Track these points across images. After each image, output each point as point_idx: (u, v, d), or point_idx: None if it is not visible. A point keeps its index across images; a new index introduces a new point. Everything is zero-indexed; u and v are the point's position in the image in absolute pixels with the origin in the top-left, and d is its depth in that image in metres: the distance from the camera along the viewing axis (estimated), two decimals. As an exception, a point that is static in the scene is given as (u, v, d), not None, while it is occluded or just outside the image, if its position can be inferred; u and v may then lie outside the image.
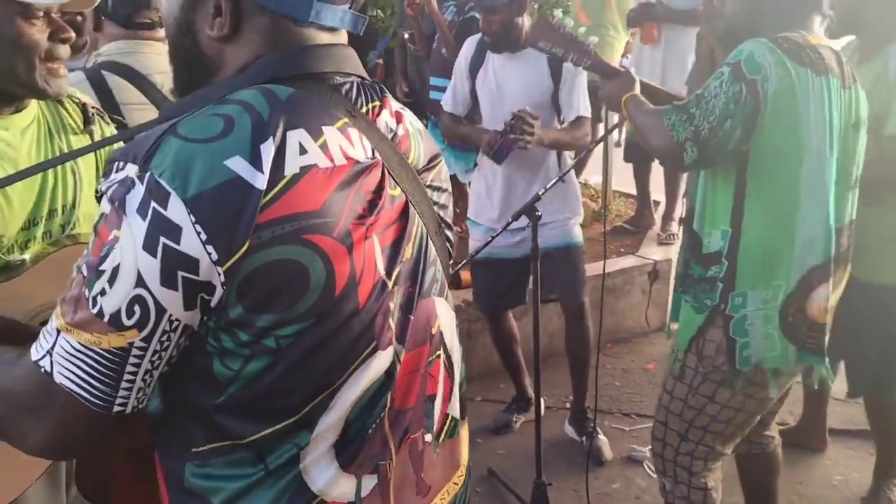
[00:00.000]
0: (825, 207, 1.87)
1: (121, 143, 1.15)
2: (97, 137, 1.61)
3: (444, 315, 1.04)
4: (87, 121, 1.60)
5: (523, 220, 2.57)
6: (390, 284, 0.92)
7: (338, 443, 0.91)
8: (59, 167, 1.51)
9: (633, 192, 5.13)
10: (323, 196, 0.84)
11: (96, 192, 0.84)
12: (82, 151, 1.04)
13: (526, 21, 2.87)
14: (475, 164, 3.35)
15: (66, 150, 1.53)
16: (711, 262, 1.92)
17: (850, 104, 1.92)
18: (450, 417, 1.07)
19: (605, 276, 3.64)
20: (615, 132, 6.27)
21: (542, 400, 3.31)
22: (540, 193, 2.50)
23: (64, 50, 1.43)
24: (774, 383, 1.94)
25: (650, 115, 1.97)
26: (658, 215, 4.89)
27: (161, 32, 2.11)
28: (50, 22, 1.41)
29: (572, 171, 3.09)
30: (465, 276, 3.67)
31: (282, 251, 0.81)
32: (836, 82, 1.86)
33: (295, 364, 0.86)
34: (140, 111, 1.95)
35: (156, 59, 2.04)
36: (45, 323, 0.87)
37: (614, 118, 4.67)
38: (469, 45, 3.07)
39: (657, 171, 4.67)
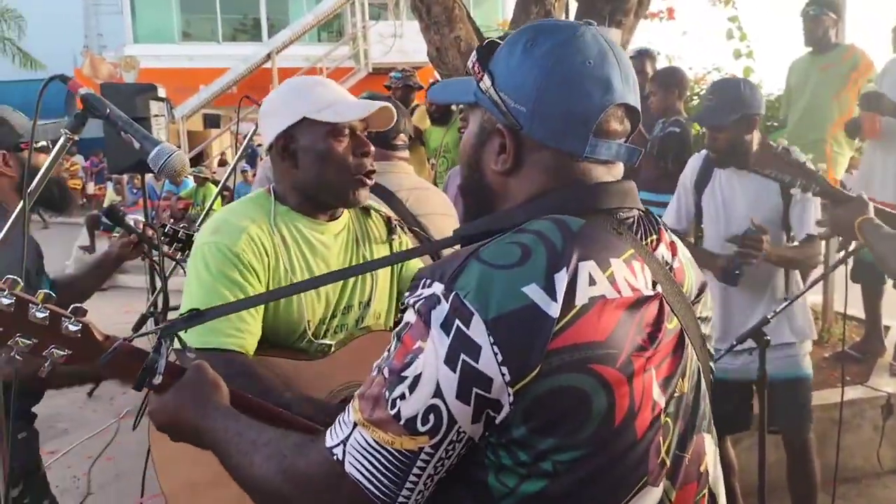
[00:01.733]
0: None
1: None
2: (396, 247, 1.80)
3: (710, 452, 1.02)
4: (391, 231, 1.80)
5: (748, 343, 2.44)
6: (664, 418, 0.91)
7: None
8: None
9: (857, 314, 4.71)
10: (609, 327, 0.86)
11: (401, 303, 0.92)
12: (384, 262, 1.15)
13: (755, 137, 2.82)
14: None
15: (369, 256, 1.73)
16: None
17: None
18: None
19: (830, 408, 3.34)
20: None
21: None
22: (769, 317, 2.38)
23: (367, 163, 1.62)
24: None
25: (889, 239, 1.85)
26: (889, 342, 4.44)
27: (406, 153, 2.31)
28: (354, 138, 1.61)
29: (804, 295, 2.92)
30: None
31: (568, 378, 0.84)
32: None
33: (568, 491, 0.87)
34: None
35: (403, 177, 2.24)
36: (344, 402, 0.94)
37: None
38: (695, 162, 3.05)
39: (890, 293, 4.27)
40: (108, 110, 1.38)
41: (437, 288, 0.87)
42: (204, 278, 1.53)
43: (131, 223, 2.43)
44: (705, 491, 1.00)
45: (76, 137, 1.45)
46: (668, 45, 9.78)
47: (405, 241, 1.83)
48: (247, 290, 1.53)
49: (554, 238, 0.89)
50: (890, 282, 4.19)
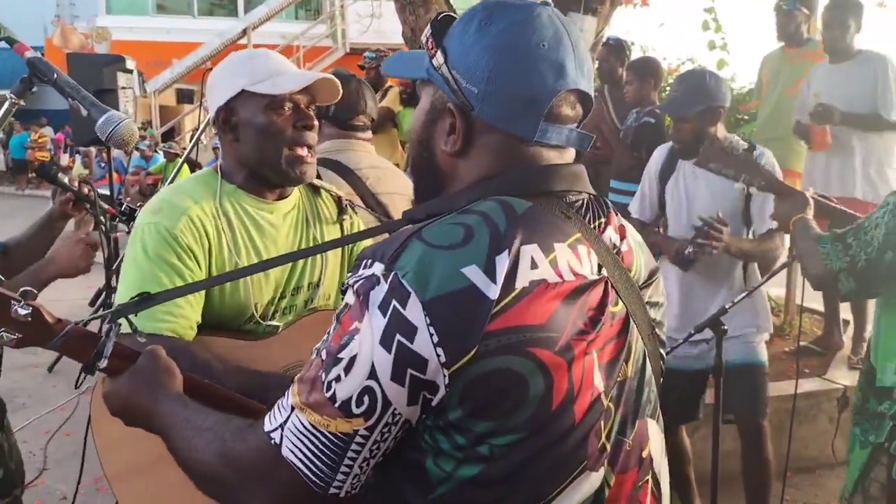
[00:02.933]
0: None
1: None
2: (347, 227, 1.78)
3: (654, 437, 1.02)
4: (341, 211, 1.77)
5: (706, 332, 2.47)
6: (605, 402, 0.91)
7: None
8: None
9: (819, 307, 4.79)
10: (548, 311, 0.86)
11: (342, 283, 0.91)
12: (334, 245, 1.13)
13: (719, 129, 2.84)
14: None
15: (319, 237, 1.71)
16: (885, 397, 1.80)
17: None
18: None
19: (787, 398, 3.39)
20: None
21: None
22: (727, 307, 2.40)
23: (308, 137, 1.58)
24: None
25: (809, 240, 1.90)
26: (847, 336, 4.52)
27: (368, 134, 2.29)
28: (296, 112, 1.58)
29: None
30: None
31: (505, 361, 0.83)
32: None
33: (505, 474, 0.86)
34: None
35: (364, 155, 2.22)
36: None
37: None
38: (660, 152, 3.07)
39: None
40: (55, 75, 1.35)
41: (378, 268, 0.87)
42: (141, 261, 1.51)
43: (65, 181, 2.46)
44: (648, 476, 1.00)
45: (21, 102, 1.41)
46: (643, 35, 9.79)
47: (356, 221, 1.81)
48: (184, 275, 1.50)
49: (498, 220, 0.88)
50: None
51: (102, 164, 12.47)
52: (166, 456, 1.02)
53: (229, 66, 1.62)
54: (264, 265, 1.27)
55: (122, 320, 1.15)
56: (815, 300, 4.83)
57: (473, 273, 0.84)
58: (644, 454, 0.99)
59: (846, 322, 4.65)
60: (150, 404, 1.06)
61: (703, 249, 2.68)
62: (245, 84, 1.55)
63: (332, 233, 1.75)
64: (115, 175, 6.42)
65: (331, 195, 1.79)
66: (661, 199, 3.03)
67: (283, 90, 1.54)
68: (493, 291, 0.84)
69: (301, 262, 1.66)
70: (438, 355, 0.83)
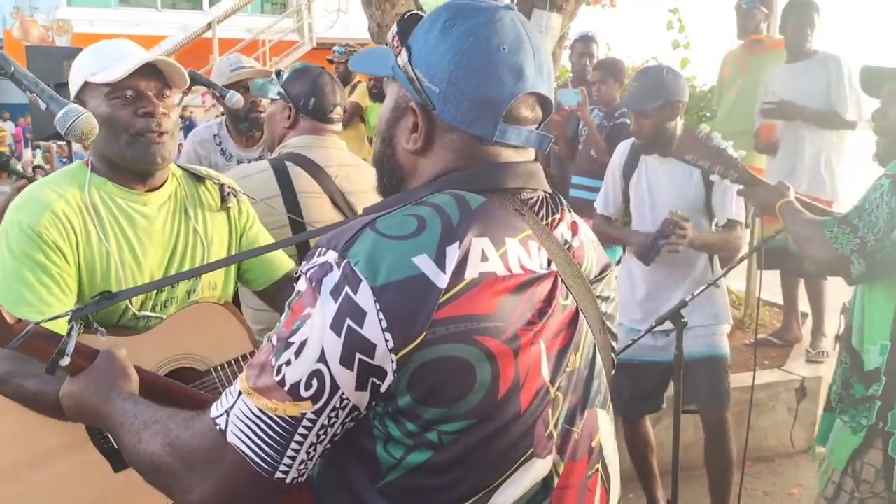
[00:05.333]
0: None
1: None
2: (234, 214, 1.76)
3: (605, 428, 1.04)
4: (223, 199, 1.74)
5: (668, 325, 2.52)
6: (553, 392, 0.94)
7: None
8: (189, 238, 1.65)
9: (779, 301, 4.90)
10: (496, 302, 0.88)
11: (295, 272, 0.92)
12: (275, 246, 1.15)
13: (678, 125, 2.89)
14: (618, 262, 3.34)
15: (200, 226, 1.68)
16: (872, 380, 1.83)
17: None
18: None
19: (747, 389, 3.47)
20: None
21: (677, 515, 3.15)
22: (687, 299, 2.45)
23: (151, 123, 1.54)
24: None
25: (809, 225, 1.93)
26: (806, 329, 4.63)
27: (340, 126, 2.30)
28: (140, 98, 1.55)
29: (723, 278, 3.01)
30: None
31: (452, 348, 0.86)
32: None
33: (454, 461, 0.89)
34: (314, 199, 2.11)
35: (334, 152, 2.22)
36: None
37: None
38: (622, 148, 3.11)
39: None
40: (12, 68, 1.33)
41: (331, 256, 0.89)
42: (7, 260, 1.47)
43: (19, 168, 2.42)
44: (598, 466, 1.03)
45: None
46: (608, 33, 9.88)
47: (245, 208, 1.79)
48: (51, 271, 1.47)
49: (451, 212, 0.91)
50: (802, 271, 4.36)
51: (63, 159, 12.24)
52: (45, 455, 1.00)
53: (78, 59, 1.60)
54: (198, 270, 1.27)
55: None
56: (774, 294, 4.93)
57: (423, 262, 0.86)
58: (594, 443, 1.01)
59: (805, 315, 4.77)
60: (103, 404, 1.06)
61: (671, 248, 2.72)
62: (86, 76, 1.54)
63: (216, 220, 1.71)
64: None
65: (214, 183, 1.75)
66: (625, 194, 3.07)
67: (116, 76, 1.51)
68: (443, 281, 0.86)
69: (180, 251, 1.63)
70: (387, 340, 0.85)
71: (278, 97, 2.25)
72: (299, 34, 15.90)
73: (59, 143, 9.10)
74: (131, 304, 1.56)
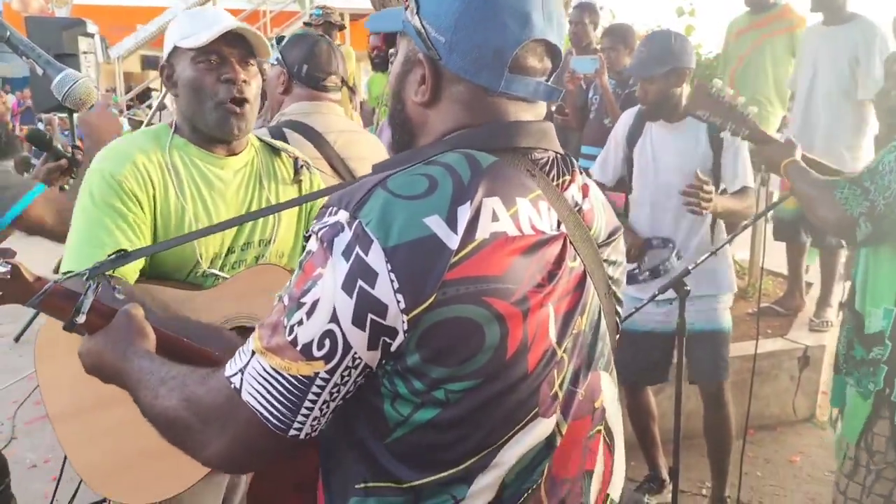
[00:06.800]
0: None
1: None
2: (305, 187, 1.79)
3: (607, 390, 1.05)
4: (296, 172, 1.78)
5: (671, 293, 2.51)
6: (559, 353, 0.94)
7: (493, 503, 0.92)
8: (261, 207, 1.68)
9: (782, 270, 4.89)
10: (507, 263, 0.88)
11: (306, 231, 0.92)
12: (287, 205, 1.15)
13: (685, 91, 2.86)
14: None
15: (272, 197, 1.73)
16: (874, 343, 1.83)
17: None
18: (609, 499, 1.06)
19: (750, 358, 3.48)
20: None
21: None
22: (690, 268, 2.43)
23: (232, 89, 1.60)
24: None
25: (817, 185, 1.92)
26: (810, 298, 4.63)
27: (338, 95, 2.28)
28: (224, 65, 1.60)
29: (727, 246, 3.00)
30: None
31: (462, 309, 0.85)
32: None
33: (460, 419, 0.89)
34: (314, 164, 2.10)
35: (333, 119, 2.21)
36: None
37: (774, 195, 4.47)
38: (628, 116, 3.08)
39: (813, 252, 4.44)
40: (7, 33, 1.32)
41: (342, 216, 0.88)
42: (87, 206, 1.55)
43: (59, 147, 2.32)
44: (601, 427, 1.03)
45: None
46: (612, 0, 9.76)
47: (316, 181, 1.83)
48: (128, 218, 1.54)
49: (462, 172, 0.90)
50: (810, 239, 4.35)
51: (65, 132, 12.19)
52: (105, 399, 1.03)
53: (172, 24, 1.67)
54: (215, 227, 1.28)
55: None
56: (778, 263, 4.93)
57: (435, 223, 0.86)
58: (596, 405, 1.02)
59: (809, 284, 4.76)
60: (121, 362, 1.07)
61: (693, 211, 2.70)
62: (176, 40, 1.61)
63: (288, 193, 1.76)
64: (80, 143, 6.28)
65: (289, 155, 1.81)
66: (627, 161, 3.05)
67: (202, 42, 1.57)
68: (454, 241, 0.86)
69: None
70: (398, 301, 0.84)
71: (276, 63, 2.23)
72: (300, 4, 15.73)
73: (61, 115, 9.06)
74: (202, 259, 1.62)
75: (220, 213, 1.64)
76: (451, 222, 0.86)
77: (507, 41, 0.95)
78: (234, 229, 1.67)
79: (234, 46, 1.61)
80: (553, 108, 4.79)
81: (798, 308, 4.52)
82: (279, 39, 2.30)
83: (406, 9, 1.01)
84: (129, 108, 12.56)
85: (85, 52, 4.32)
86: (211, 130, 1.63)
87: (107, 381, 1.11)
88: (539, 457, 0.94)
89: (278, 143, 1.81)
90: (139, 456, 1.43)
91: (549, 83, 1.01)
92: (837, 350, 2.02)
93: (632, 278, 2.88)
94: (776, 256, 5.31)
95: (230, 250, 1.67)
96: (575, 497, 0.99)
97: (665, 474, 3.16)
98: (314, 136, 2.12)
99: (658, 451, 3.23)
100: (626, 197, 3.11)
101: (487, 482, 0.92)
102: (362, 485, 0.94)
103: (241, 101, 1.61)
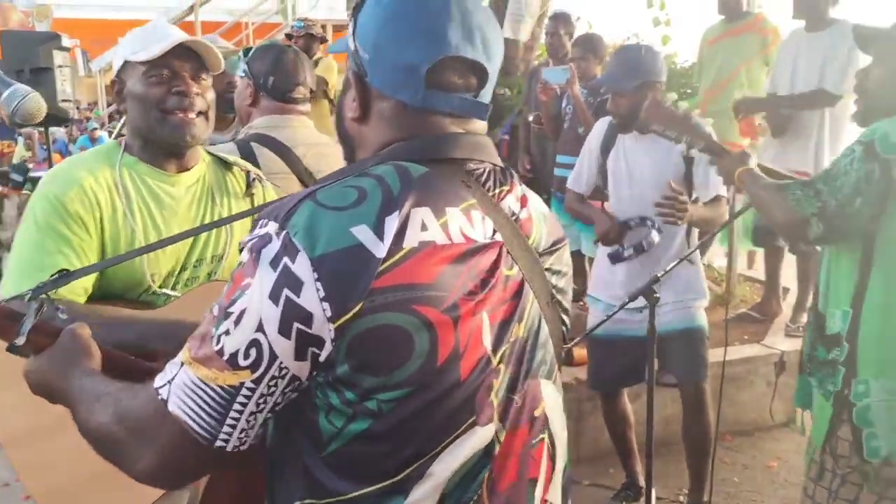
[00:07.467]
0: None
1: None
2: (258, 201, 1.79)
3: (550, 398, 1.05)
4: (248, 186, 1.78)
5: (643, 300, 2.52)
6: (495, 361, 0.95)
7: None
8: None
9: (759, 276, 4.93)
10: (437, 271, 0.89)
11: (240, 244, 0.93)
12: (234, 218, 1.15)
13: (656, 104, 2.88)
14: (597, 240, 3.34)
15: (225, 212, 1.72)
16: (833, 344, 1.86)
17: None
18: None
19: (727, 364, 3.51)
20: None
21: (653, 490, 3.18)
22: (659, 275, 2.46)
23: (185, 102, 1.60)
24: None
25: (770, 189, 1.96)
26: (787, 304, 4.66)
27: (307, 106, 2.28)
28: (175, 78, 1.60)
29: (698, 253, 3.03)
30: (578, 353, 3.61)
31: (391, 317, 0.87)
32: None
33: (394, 429, 0.90)
34: (283, 180, 2.10)
35: (301, 132, 2.21)
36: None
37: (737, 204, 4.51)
38: (601, 125, 3.11)
39: (790, 258, 4.48)
40: None
41: (272, 227, 0.90)
42: (30, 229, 1.53)
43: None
44: (543, 435, 1.03)
45: None
46: (590, 10, 9.85)
47: (269, 195, 1.82)
48: (72, 243, 1.53)
49: (392, 183, 0.92)
50: (788, 245, 4.38)
51: (43, 146, 12.11)
52: (59, 421, 1.04)
53: (123, 39, 1.66)
54: (170, 240, 1.29)
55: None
56: (757, 269, 4.97)
57: (362, 232, 0.88)
58: (537, 413, 1.02)
59: (786, 290, 4.80)
60: (64, 381, 1.07)
61: (670, 222, 2.73)
62: (126, 54, 1.61)
63: (241, 207, 1.76)
64: (58, 157, 6.25)
65: (241, 169, 1.81)
66: (601, 170, 3.07)
67: (153, 55, 1.57)
68: (381, 250, 0.87)
69: (204, 235, 1.67)
70: (324, 309, 0.86)
71: (244, 75, 2.24)
72: (283, 15, 15.72)
73: (41, 129, 9.01)
74: (153, 280, 1.61)
75: (172, 232, 1.62)
76: (379, 231, 0.88)
77: (419, 58, 0.97)
78: (187, 247, 1.66)
79: (185, 60, 1.61)
80: (530, 119, 4.84)
81: (775, 314, 4.55)
82: (246, 52, 2.30)
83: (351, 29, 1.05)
84: (110, 120, 12.52)
85: (60, 66, 4.30)
86: (162, 140, 1.62)
87: (53, 402, 1.10)
88: (478, 466, 0.94)
89: (231, 157, 1.81)
90: (95, 478, 1.41)
91: (478, 99, 1.02)
92: (802, 350, 2.05)
93: (617, 257, 2.89)
94: (754, 263, 5.36)
95: (183, 268, 1.66)
96: None
97: (642, 482, 3.17)
98: (283, 151, 2.12)
99: (635, 459, 3.24)
100: (602, 205, 3.14)
101: (425, 492, 0.92)
102: (302, 500, 0.94)
103: (192, 112, 1.61)
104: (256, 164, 2.08)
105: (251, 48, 2.31)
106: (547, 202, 4.59)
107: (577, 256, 4.52)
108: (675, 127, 2.18)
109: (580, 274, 4.31)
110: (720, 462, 3.56)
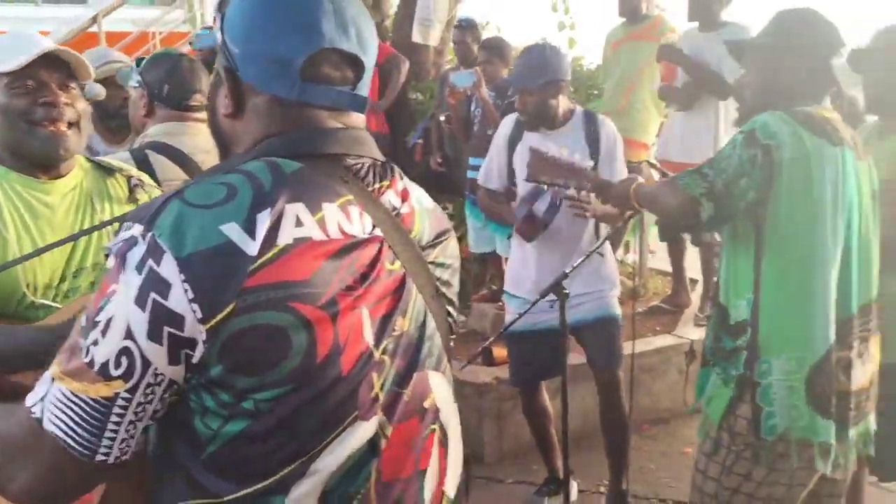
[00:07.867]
0: (847, 280, 1.88)
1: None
2: None
3: (439, 389, 1.05)
4: (131, 191, 1.73)
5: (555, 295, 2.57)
6: (377, 355, 0.94)
7: None
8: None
9: (669, 269, 5.09)
10: (312, 267, 0.88)
11: (105, 249, 0.90)
12: (107, 224, 1.12)
13: (561, 102, 2.95)
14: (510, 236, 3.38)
15: (106, 217, 1.65)
16: (740, 333, 1.93)
17: (868, 176, 1.95)
18: (445, 496, 1.07)
19: (641, 356, 3.61)
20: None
21: (574, 482, 3.23)
22: (567, 272, 2.51)
23: (53, 112, 1.55)
24: (820, 459, 1.89)
25: (660, 184, 2.07)
26: (696, 295, 4.83)
27: (204, 114, 2.23)
28: (41, 89, 1.55)
29: (609, 246, 3.11)
30: (498, 353, 3.65)
31: (265, 316, 0.85)
32: (850, 154, 1.89)
33: (273, 428, 0.88)
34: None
35: (200, 139, 2.16)
36: None
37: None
38: (508, 122, 3.15)
39: (693, 250, 4.64)
40: None
41: (137, 230, 0.87)
42: None
43: None
44: (434, 427, 1.04)
45: None
46: (498, 15, 10.03)
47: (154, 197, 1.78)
48: None
49: (263, 178, 0.90)
50: (691, 239, 4.55)
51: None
52: None
53: None
54: (45, 249, 1.24)
55: None
56: (665, 263, 5.14)
57: (231, 230, 0.85)
58: (426, 405, 1.02)
59: (694, 281, 4.98)
60: None
61: (578, 214, 2.77)
62: None
63: (125, 212, 1.69)
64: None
65: (124, 174, 1.75)
66: (510, 166, 3.11)
67: (17, 65, 1.51)
68: (252, 248, 0.85)
69: (83, 242, 1.62)
70: (194, 311, 0.83)
71: (137, 85, 2.17)
72: (191, 24, 15.33)
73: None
74: (29, 292, 1.53)
75: (48, 241, 1.56)
76: (250, 229, 0.86)
77: (294, 51, 0.96)
78: (65, 256, 1.59)
79: (53, 70, 1.55)
80: (442, 119, 4.87)
81: (685, 305, 4.71)
82: (139, 61, 2.24)
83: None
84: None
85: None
86: (32, 154, 1.56)
87: None
88: (363, 460, 0.94)
89: (114, 163, 1.76)
90: None
91: (355, 92, 1.01)
92: (705, 344, 2.11)
93: (536, 220, 2.89)
94: (663, 256, 5.52)
95: (62, 278, 1.60)
96: (410, 497, 1.00)
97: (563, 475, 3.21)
98: (181, 158, 2.08)
99: (556, 453, 3.28)
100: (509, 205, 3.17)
101: (305, 490, 0.91)
102: (184, 503, 0.92)
103: (65, 122, 1.56)
104: (152, 172, 2.02)
105: (142, 59, 2.25)
106: (462, 204, 4.64)
107: (493, 257, 4.57)
108: (560, 175, 2.26)
109: (499, 275, 4.36)
110: (638, 450, 3.65)
